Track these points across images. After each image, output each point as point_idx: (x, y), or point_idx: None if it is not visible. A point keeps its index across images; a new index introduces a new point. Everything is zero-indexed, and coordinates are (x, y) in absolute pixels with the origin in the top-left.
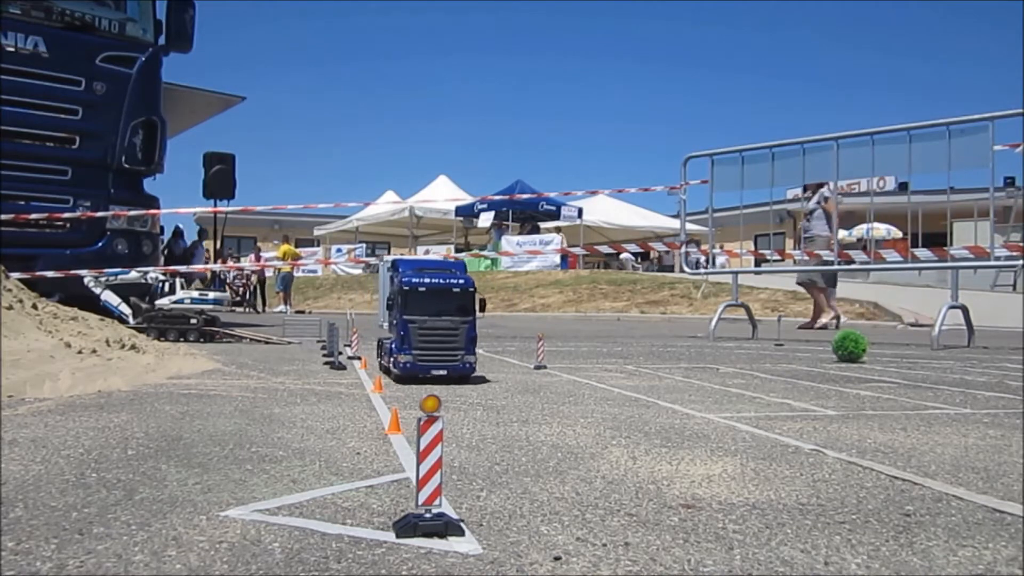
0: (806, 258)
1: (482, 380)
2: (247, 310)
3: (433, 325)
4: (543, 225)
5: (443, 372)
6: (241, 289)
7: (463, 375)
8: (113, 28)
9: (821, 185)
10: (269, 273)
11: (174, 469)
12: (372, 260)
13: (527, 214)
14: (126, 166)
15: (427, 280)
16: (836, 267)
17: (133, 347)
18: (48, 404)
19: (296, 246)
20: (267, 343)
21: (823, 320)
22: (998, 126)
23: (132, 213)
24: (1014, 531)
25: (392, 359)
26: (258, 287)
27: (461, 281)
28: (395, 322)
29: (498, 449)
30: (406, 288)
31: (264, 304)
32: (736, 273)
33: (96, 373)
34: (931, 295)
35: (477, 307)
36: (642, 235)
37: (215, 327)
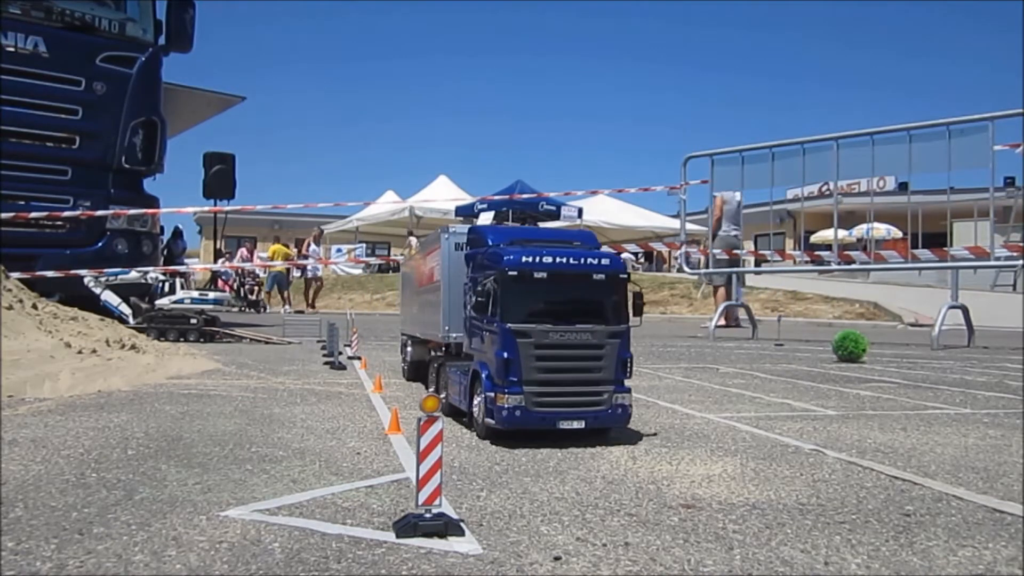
0: (725, 257)
1: None
2: (262, 310)
3: (561, 341)
4: (543, 225)
5: (579, 423)
6: (256, 289)
7: (611, 426)
8: (113, 28)
9: None
10: (296, 273)
11: (174, 469)
12: (372, 260)
13: (527, 214)
14: (126, 166)
15: (547, 260)
16: (836, 267)
17: (133, 347)
18: (48, 404)
19: (296, 246)
20: (267, 343)
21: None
22: (998, 126)
23: (132, 213)
24: (1014, 531)
25: (484, 400)
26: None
27: (605, 262)
28: (484, 335)
29: (498, 449)
30: (510, 274)
31: (288, 305)
32: (736, 273)
33: (96, 373)
34: (931, 295)
35: (631, 306)
36: (642, 235)
37: (215, 327)
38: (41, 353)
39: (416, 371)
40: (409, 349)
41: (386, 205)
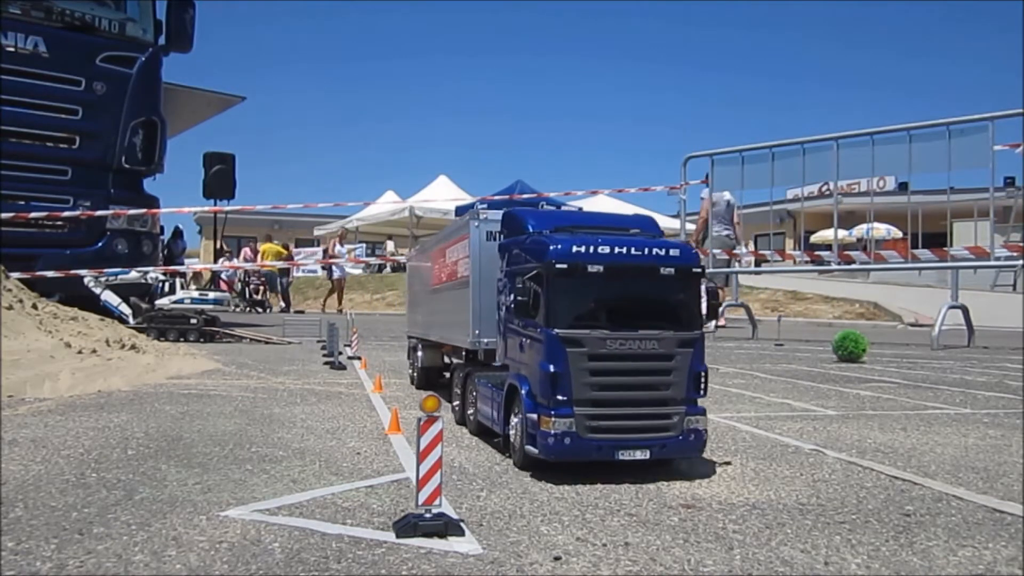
0: (725, 257)
1: None
2: (267, 310)
3: (621, 350)
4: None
5: (643, 453)
6: (261, 289)
7: (683, 456)
8: (113, 28)
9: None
10: (298, 273)
11: (174, 469)
12: (372, 260)
13: None
14: (126, 166)
15: (603, 251)
16: (836, 267)
17: (133, 347)
18: (48, 404)
19: (296, 246)
20: (267, 343)
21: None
22: (998, 126)
23: (132, 213)
24: (1014, 531)
25: (523, 423)
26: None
27: (674, 253)
28: (524, 342)
29: (498, 449)
30: (557, 268)
31: (288, 304)
32: (735, 273)
33: (96, 373)
34: (931, 295)
35: (705, 306)
36: None
37: (215, 327)
38: (41, 353)
39: (428, 379)
40: (419, 354)
41: (386, 205)
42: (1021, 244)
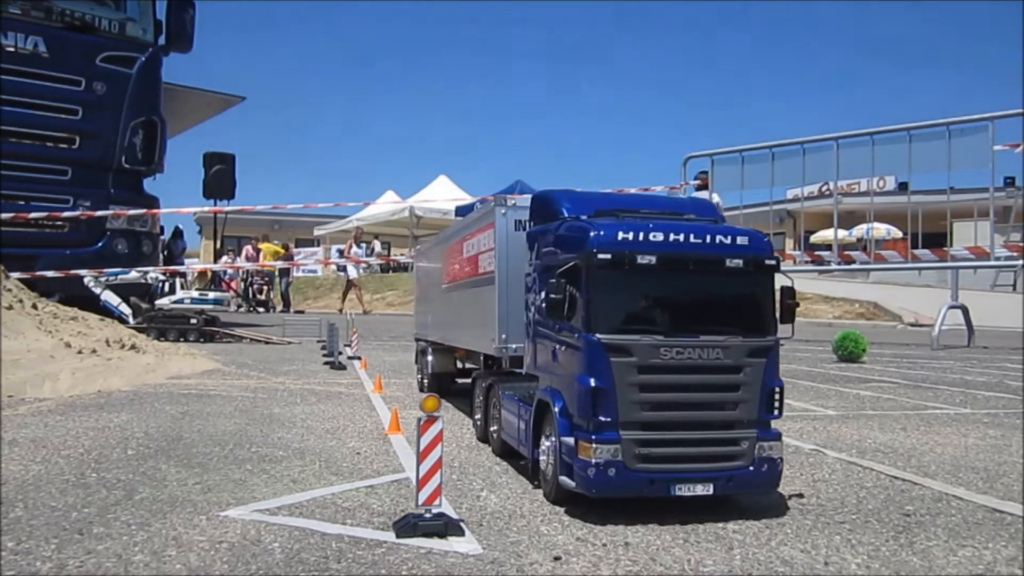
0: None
1: None
2: (271, 310)
3: (678, 361)
4: None
5: (705, 488)
6: (265, 288)
7: (754, 491)
8: (113, 28)
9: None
10: (298, 273)
11: (174, 469)
12: (372, 261)
13: None
14: (126, 166)
15: (656, 238)
16: (836, 267)
17: (133, 347)
18: (48, 404)
19: (296, 246)
20: (267, 343)
21: None
22: (998, 126)
23: (132, 213)
24: (1014, 531)
25: (557, 448)
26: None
27: (742, 241)
28: (558, 350)
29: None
30: (600, 259)
31: (287, 304)
32: None
33: (96, 373)
34: (931, 295)
35: (780, 308)
36: None
37: (215, 327)
38: (41, 353)
39: (439, 386)
40: (430, 358)
41: (386, 205)
42: (1021, 244)
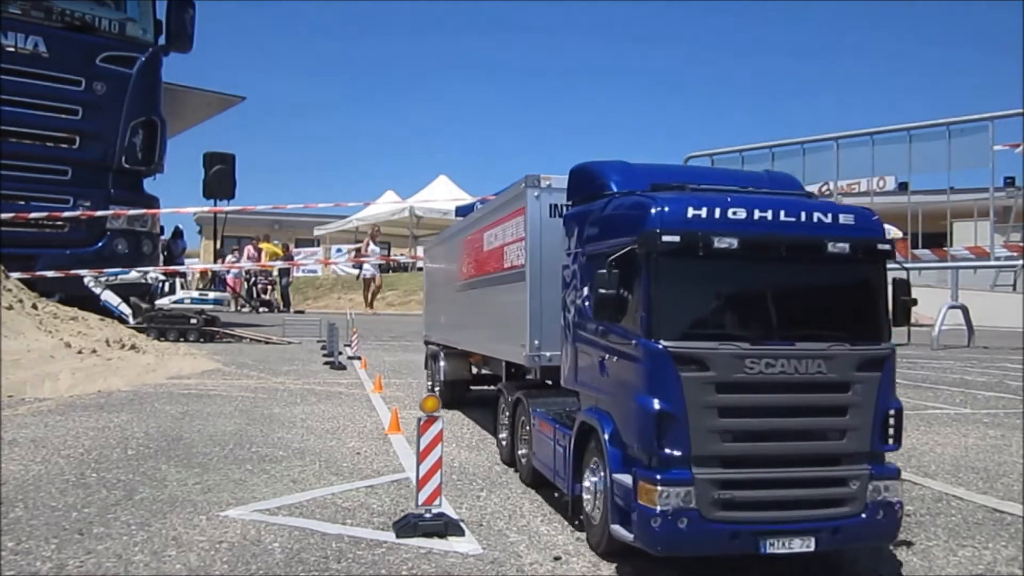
0: None
1: None
2: (276, 310)
3: (768, 376)
4: None
5: (805, 542)
6: (269, 288)
7: (865, 543)
8: (113, 28)
9: None
10: (298, 273)
11: (174, 469)
12: (372, 261)
13: None
14: (126, 166)
15: (737, 215)
16: None
17: (133, 347)
18: (48, 404)
19: (296, 246)
20: (267, 343)
21: None
22: (998, 126)
23: (132, 213)
24: (1014, 531)
25: (609, 488)
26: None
27: (847, 220)
28: (607, 360)
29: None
30: (666, 241)
31: (287, 304)
32: None
33: (96, 373)
34: (931, 295)
35: (893, 306)
36: None
37: (215, 327)
38: (41, 353)
39: (453, 395)
40: (442, 364)
41: (386, 205)
42: (1021, 244)
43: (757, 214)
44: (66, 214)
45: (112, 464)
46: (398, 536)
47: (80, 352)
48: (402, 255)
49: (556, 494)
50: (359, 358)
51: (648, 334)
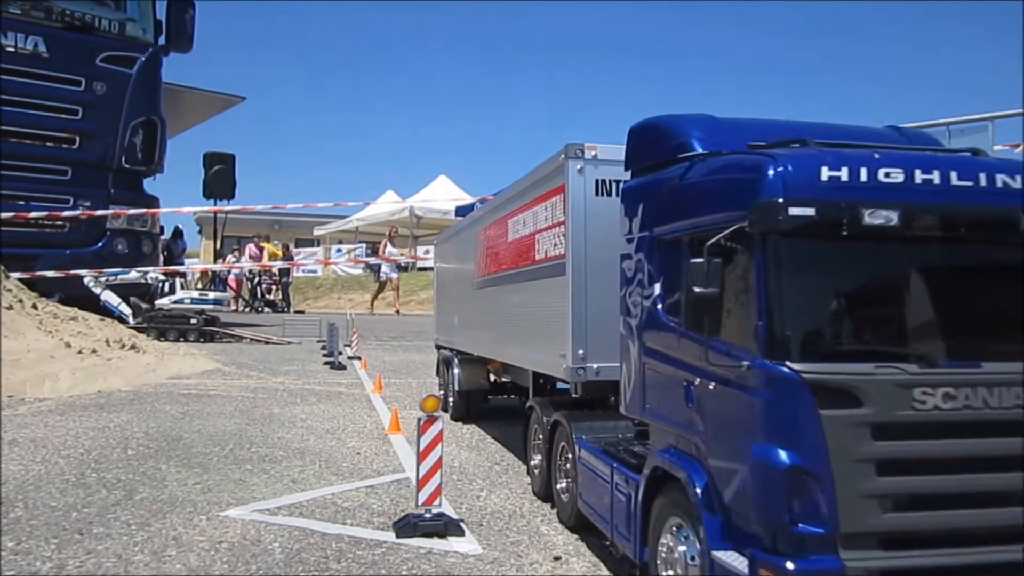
0: None
1: None
2: (280, 310)
3: (950, 415)
4: None
5: None
6: (273, 288)
7: None
8: (113, 28)
9: None
10: (298, 273)
11: (174, 469)
12: (372, 260)
13: None
14: (126, 166)
15: (893, 177)
16: None
17: (133, 347)
18: (48, 404)
19: (296, 246)
20: (267, 343)
21: None
22: (998, 126)
23: (132, 212)
24: None
25: (703, 566)
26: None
27: None
28: (699, 386)
29: (498, 449)
30: (793, 215)
31: (288, 304)
32: None
33: (96, 373)
34: None
35: None
36: None
37: (215, 327)
38: (41, 353)
39: (470, 406)
40: (456, 371)
41: (386, 205)
42: None
43: (919, 175)
44: (66, 214)
45: (112, 464)
46: (398, 536)
47: (80, 352)
48: (402, 255)
49: (606, 541)
50: (359, 358)
51: (769, 352)
